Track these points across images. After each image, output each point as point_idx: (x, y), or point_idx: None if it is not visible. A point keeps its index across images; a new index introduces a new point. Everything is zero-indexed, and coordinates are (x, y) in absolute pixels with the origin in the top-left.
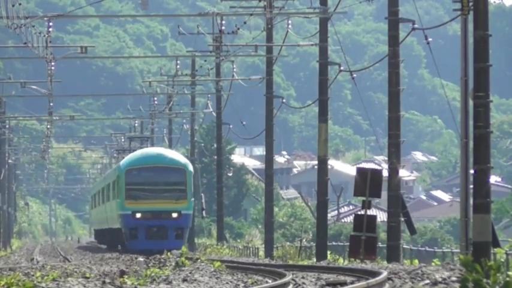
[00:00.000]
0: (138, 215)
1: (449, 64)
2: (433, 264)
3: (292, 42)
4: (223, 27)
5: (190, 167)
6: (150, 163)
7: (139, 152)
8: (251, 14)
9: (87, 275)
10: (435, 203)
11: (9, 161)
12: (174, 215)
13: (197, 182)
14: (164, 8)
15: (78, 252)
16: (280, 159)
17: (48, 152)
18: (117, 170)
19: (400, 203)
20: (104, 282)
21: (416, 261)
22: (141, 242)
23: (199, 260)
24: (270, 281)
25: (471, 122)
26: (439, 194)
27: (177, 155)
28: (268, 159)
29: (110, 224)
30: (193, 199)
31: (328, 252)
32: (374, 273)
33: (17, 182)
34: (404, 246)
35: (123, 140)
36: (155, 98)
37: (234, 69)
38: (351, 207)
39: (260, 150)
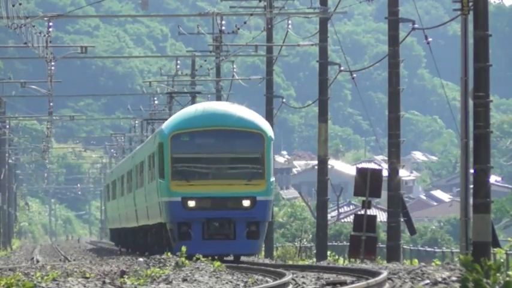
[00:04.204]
0: (192, 203)
1: (449, 64)
2: (433, 264)
3: (292, 42)
4: (223, 27)
5: (271, 132)
6: (209, 125)
7: (192, 109)
8: (251, 14)
9: (87, 275)
10: (435, 203)
11: (9, 161)
12: (246, 202)
13: None
14: (164, 8)
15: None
16: (280, 159)
17: (48, 152)
18: (157, 137)
19: (400, 203)
20: (104, 282)
21: (416, 261)
22: (195, 243)
23: (199, 260)
24: (270, 280)
25: (471, 122)
26: (439, 194)
27: (250, 114)
28: None
29: (141, 220)
30: (273, 179)
31: (328, 252)
32: (374, 273)
33: (17, 182)
34: (404, 246)
35: (123, 140)
36: (155, 98)
37: (234, 69)
38: (351, 207)
39: None
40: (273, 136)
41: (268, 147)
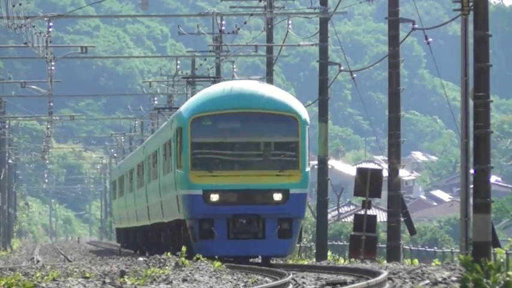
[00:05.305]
0: (215, 197)
1: (449, 64)
2: (433, 264)
3: (292, 42)
4: (223, 27)
5: (306, 115)
6: (235, 107)
7: (215, 89)
8: (251, 14)
9: (87, 275)
10: (435, 203)
11: (9, 161)
12: (277, 196)
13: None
14: (164, 8)
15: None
16: None
17: (48, 152)
18: (175, 121)
19: (400, 203)
20: (104, 282)
21: (416, 261)
22: (219, 243)
23: (199, 260)
24: (270, 280)
25: (471, 122)
26: (439, 194)
27: (282, 94)
28: None
29: (155, 218)
30: (308, 169)
31: (328, 252)
32: (374, 273)
33: (17, 182)
34: (404, 246)
35: (123, 140)
36: (155, 98)
37: (234, 69)
38: (351, 207)
39: None
40: (308, 120)
41: (303, 133)
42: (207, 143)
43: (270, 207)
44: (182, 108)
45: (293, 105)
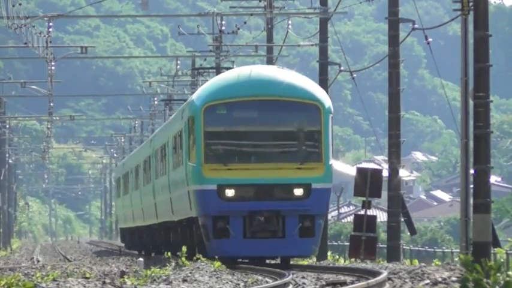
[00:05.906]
0: (230, 193)
1: (449, 64)
2: (433, 264)
3: (293, 42)
4: (223, 27)
5: (329, 103)
6: (252, 94)
7: (229, 74)
8: (251, 14)
9: (87, 275)
10: (435, 203)
11: (9, 161)
12: (298, 191)
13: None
14: (164, 8)
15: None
16: None
17: (48, 152)
18: (187, 110)
19: (400, 203)
20: (104, 282)
21: (416, 261)
22: (235, 242)
23: (199, 260)
24: (270, 280)
25: (471, 122)
26: (439, 194)
27: (303, 80)
28: None
29: (163, 216)
30: (332, 162)
31: (328, 252)
32: (374, 273)
33: (17, 182)
34: (404, 246)
35: (123, 140)
36: (155, 98)
37: None
38: (351, 207)
39: None
40: (332, 108)
41: (326, 122)
42: (221, 133)
43: (290, 203)
44: (194, 96)
45: (315, 92)
